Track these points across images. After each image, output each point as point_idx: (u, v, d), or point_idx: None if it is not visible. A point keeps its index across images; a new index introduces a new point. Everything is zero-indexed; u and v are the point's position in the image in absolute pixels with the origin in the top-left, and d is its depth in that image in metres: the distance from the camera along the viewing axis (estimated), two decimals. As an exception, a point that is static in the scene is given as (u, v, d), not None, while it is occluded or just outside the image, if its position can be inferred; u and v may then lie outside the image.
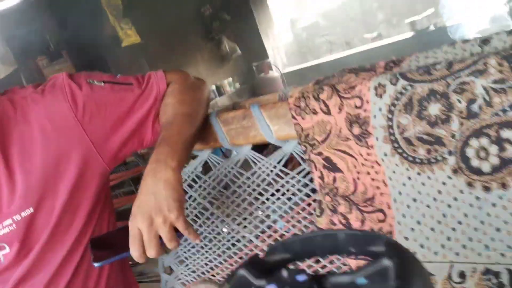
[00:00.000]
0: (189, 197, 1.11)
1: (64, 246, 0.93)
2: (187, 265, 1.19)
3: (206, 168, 1.08)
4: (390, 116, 0.72)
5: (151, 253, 0.78)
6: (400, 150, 0.73)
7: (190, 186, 1.11)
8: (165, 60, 5.13)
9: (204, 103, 1.00)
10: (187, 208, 1.12)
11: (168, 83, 1.00)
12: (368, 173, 0.78)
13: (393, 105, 0.72)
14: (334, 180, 0.81)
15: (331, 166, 0.81)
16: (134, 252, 0.78)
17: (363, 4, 7.08)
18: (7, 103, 0.90)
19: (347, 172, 0.79)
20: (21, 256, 0.90)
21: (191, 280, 1.18)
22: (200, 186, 1.09)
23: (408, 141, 0.72)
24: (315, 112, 0.81)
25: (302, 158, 0.89)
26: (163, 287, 1.30)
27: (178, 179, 0.82)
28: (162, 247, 0.80)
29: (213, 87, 5.87)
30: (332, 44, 7.06)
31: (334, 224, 0.81)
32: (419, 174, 0.72)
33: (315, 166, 0.83)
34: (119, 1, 3.97)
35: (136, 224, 0.78)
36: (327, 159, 0.81)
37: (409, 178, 0.74)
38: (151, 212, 0.78)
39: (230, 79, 6.20)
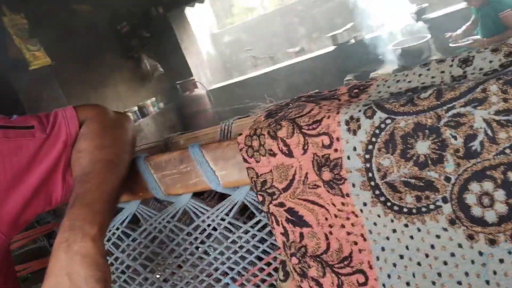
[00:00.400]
0: (115, 259, 0.90)
1: None
2: None
3: (136, 221, 0.88)
4: (367, 156, 0.59)
5: None
6: (382, 198, 0.59)
7: (116, 245, 0.90)
8: (80, 82, 4.74)
9: (128, 145, 0.80)
10: (113, 273, 0.90)
11: (81, 123, 0.79)
12: (343, 226, 0.63)
13: (371, 143, 0.58)
14: (302, 236, 0.65)
15: (297, 220, 0.65)
16: None
17: (283, 19, 7.16)
18: None
19: (317, 226, 0.64)
20: None
21: None
22: (128, 246, 0.88)
23: (392, 186, 0.58)
24: (272, 154, 0.65)
25: (257, 207, 0.73)
26: None
27: (100, 251, 0.62)
28: None
29: (135, 108, 5.55)
30: (257, 59, 7.04)
31: (305, 291, 0.65)
32: (406, 226, 0.59)
33: (276, 220, 0.67)
34: (24, 20, 3.57)
35: None
36: (291, 211, 0.65)
37: (394, 230, 0.60)
38: None
39: (153, 99, 5.90)
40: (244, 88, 6.02)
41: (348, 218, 0.62)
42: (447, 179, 0.55)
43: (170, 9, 6.06)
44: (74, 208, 0.66)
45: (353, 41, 5.13)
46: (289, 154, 0.64)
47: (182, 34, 6.35)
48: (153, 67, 5.89)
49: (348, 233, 0.63)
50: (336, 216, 0.63)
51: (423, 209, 0.57)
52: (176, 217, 0.81)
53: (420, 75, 0.66)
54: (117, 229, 0.89)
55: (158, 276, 0.86)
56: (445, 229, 0.57)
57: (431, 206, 0.57)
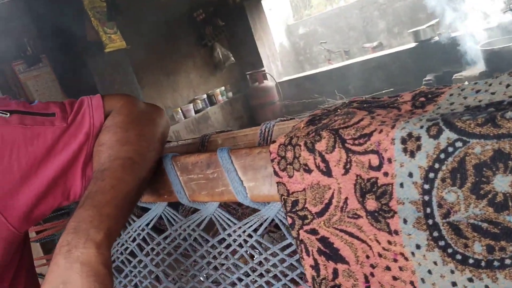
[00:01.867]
0: (139, 262, 0.84)
1: None
2: None
3: (162, 224, 0.81)
4: (427, 187, 0.45)
5: None
6: (441, 242, 0.46)
7: (140, 247, 0.83)
8: (153, 67, 4.85)
9: (156, 143, 0.73)
10: (135, 276, 0.84)
11: (107, 113, 0.73)
12: (388, 269, 0.50)
13: (433, 170, 0.45)
14: (335, 274, 0.53)
15: (331, 253, 0.53)
16: None
17: (363, 12, 6.86)
18: None
19: (355, 264, 0.52)
20: None
21: None
22: (152, 249, 0.81)
23: (456, 229, 0.45)
24: (307, 170, 0.54)
25: (289, 230, 0.62)
26: None
27: (104, 260, 0.55)
28: None
29: (204, 96, 5.59)
30: (331, 53, 6.81)
31: None
32: (471, 280, 0.45)
33: (307, 250, 0.56)
34: (103, 4, 3.68)
35: None
36: (324, 242, 0.54)
37: (454, 284, 0.47)
38: None
39: (223, 88, 5.92)
40: (315, 82, 5.85)
41: (395, 260, 0.50)
42: (534, 229, 0.40)
43: (246, -2, 6.03)
44: (82, 208, 0.59)
45: (437, 38, 4.77)
46: (327, 172, 0.52)
47: (256, 24, 6.29)
48: (225, 56, 5.90)
49: (395, 278, 0.50)
50: (380, 255, 0.50)
51: (496, 263, 0.43)
52: (201, 225, 0.73)
53: (508, 86, 0.51)
54: (142, 230, 0.82)
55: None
56: (525, 294, 0.42)
57: (507, 261, 0.43)
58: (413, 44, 5.09)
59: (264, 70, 6.04)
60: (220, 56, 5.81)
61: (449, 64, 4.43)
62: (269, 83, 5.98)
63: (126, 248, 0.86)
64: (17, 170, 0.65)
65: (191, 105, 5.31)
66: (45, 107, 0.70)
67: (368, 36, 6.88)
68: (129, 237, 0.85)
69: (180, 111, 5.13)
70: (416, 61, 4.96)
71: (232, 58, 5.92)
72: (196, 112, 5.36)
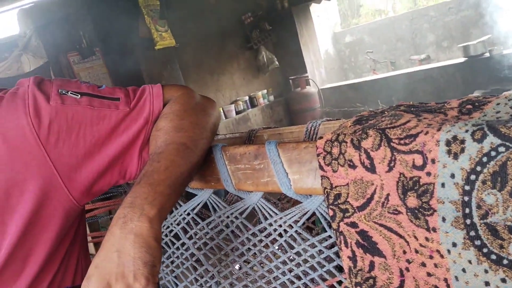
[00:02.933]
0: (182, 245, 0.89)
1: None
2: (173, 327, 0.96)
3: (205, 210, 0.85)
4: (467, 188, 0.48)
5: None
6: (477, 242, 0.48)
7: (184, 230, 0.88)
8: (199, 66, 4.97)
9: (208, 132, 0.77)
10: (178, 258, 0.89)
11: (166, 102, 0.78)
12: (424, 265, 0.53)
13: (475, 172, 0.47)
14: (372, 266, 0.56)
15: (369, 246, 0.56)
16: None
17: (413, 24, 6.75)
18: None
19: (392, 258, 0.55)
20: None
21: None
22: (195, 233, 0.86)
23: (492, 230, 0.46)
24: (352, 165, 0.57)
25: (329, 223, 0.65)
26: None
27: (155, 234, 0.60)
28: None
29: (246, 98, 5.66)
30: (376, 63, 6.74)
31: (366, 329, 0.56)
32: (504, 281, 0.47)
33: (345, 241, 0.58)
34: (157, 2, 3.83)
35: None
36: (363, 235, 0.56)
37: (487, 284, 0.48)
38: (110, 277, 0.57)
39: (265, 91, 5.97)
40: (357, 91, 5.81)
41: (431, 257, 0.52)
42: None
43: (295, 3, 6.06)
44: (138, 186, 0.64)
45: (487, 54, 4.64)
46: (371, 169, 0.55)
47: (303, 30, 6.32)
48: (270, 60, 5.95)
49: (429, 275, 0.52)
50: (417, 251, 0.53)
51: (531, 266, 0.45)
52: (244, 214, 0.77)
53: (558, 97, 0.52)
54: (188, 214, 0.87)
55: (218, 271, 0.83)
56: (558, 297, 0.44)
57: (543, 265, 0.44)
58: (462, 59, 4.98)
59: (307, 76, 6.06)
60: (265, 60, 5.87)
61: (498, 81, 4.31)
62: (311, 89, 5.99)
63: (171, 231, 0.92)
64: (83, 147, 0.72)
65: (232, 106, 5.40)
66: (111, 92, 0.76)
67: (416, 48, 6.77)
68: (175, 221, 0.90)
69: (221, 110, 5.22)
70: (464, 77, 4.84)
71: (276, 62, 5.97)
72: (237, 113, 5.44)
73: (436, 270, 0.52)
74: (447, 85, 5.01)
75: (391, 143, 0.53)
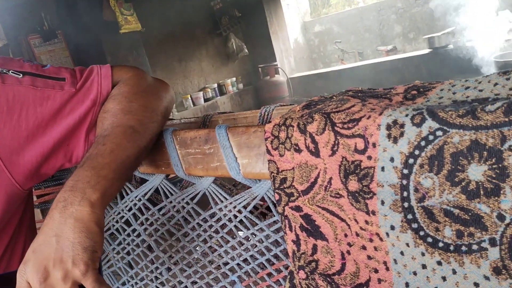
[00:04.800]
0: (133, 231, 0.87)
1: None
2: (124, 314, 0.95)
3: (158, 195, 0.84)
4: (406, 171, 0.48)
5: None
6: (414, 225, 0.48)
7: (135, 216, 0.87)
8: (166, 52, 4.88)
9: (159, 116, 0.76)
10: (128, 244, 0.88)
11: (115, 83, 0.76)
12: (364, 248, 0.53)
13: (413, 156, 0.48)
14: (314, 249, 0.56)
15: (312, 230, 0.56)
16: None
17: (381, 15, 6.83)
18: None
19: (333, 241, 0.55)
20: None
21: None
22: (147, 219, 0.85)
23: (429, 213, 0.47)
24: (298, 149, 0.57)
25: (276, 207, 0.65)
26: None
27: (97, 218, 0.58)
28: None
29: (215, 85, 5.62)
30: (344, 53, 6.81)
31: (308, 312, 0.56)
32: (439, 263, 0.48)
33: (290, 225, 0.58)
34: (122, -16, 3.73)
35: (26, 276, 0.55)
36: (307, 218, 0.57)
37: (424, 266, 0.49)
38: (48, 262, 0.55)
39: (234, 79, 5.94)
40: (326, 81, 5.85)
41: (371, 240, 0.52)
42: (501, 217, 0.43)
43: (265, -9, 6.03)
44: (81, 169, 0.62)
45: (451, 46, 4.76)
46: (316, 153, 0.55)
47: (272, 18, 6.30)
48: (239, 47, 5.92)
49: (369, 257, 0.53)
50: (357, 234, 0.53)
51: (463, 248, 0.46)
52: (195, 199, 0.76)
53: (496, 84, 0.53)
54: (139, 200, 0.85)
55: (169, 257, 0.82)
56: (487, 278, 0.45)
57: (474, 247, 0.45)
58: (427, 51, 5.08)
59: (277, 65, 6.06)
60: (234, 47, 5.83)
61: (461, 73, 4.42)
62: (280, 77, 6.00)
63: (122, 217, 0.90)
64: (25, 129, 0.69)
65: (201, 93, 5.34)
66: (56, 72, 0.73)
67: (383, 39, 6.86)
68: (126, 207, 0.88)
69: (189, 98, 5.17)
70: (428, 68, 4.95)
71: (246, 50, 5.93)
72: (206, 100, 5.40)
73: (376, 253, 0.52)
74: (412, 76, 5.11)
75: (335, 127, 0.53)
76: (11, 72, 0.69)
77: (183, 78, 5.27)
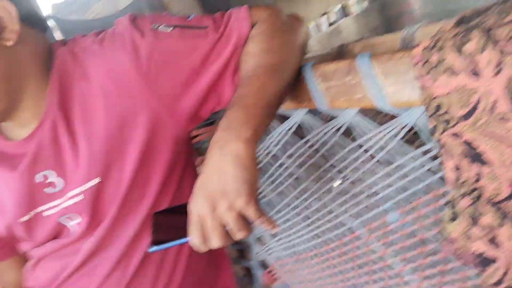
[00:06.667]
0: (280, 165, 0.92)
1: (136, 218, 0.82)
2: (279, 239, 1.02)
3: (301, 130, 0.86)
4: None
5: (214, 243, 0.63)
6: None
7: (283, 150, 0.91)
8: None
9: (297, 51, 0.76)
10: (278, 176, 0.93)
11: (253, 24, 0.77)
12: (538, 174, 0.49)
13: None
14: (478, 176, 0.54)
15: (475, 156, 0.53)
16: (194, 240, 0.63)
17: None
18: (68, 56, 0.77)
19: (500, 167, 0.51)
20: (92, 227, 0.81)
21: (285, 256, 1.02)
22: (293, 153, 0.88)
23: None
24: (453, 72, 0.53)
25: (430, 135, 0.62)
26: (253, 257, 1.17)
27: (251, 154, 0.62)
28: (229, 237, 0.63)
29: (339, 7, 5.35)
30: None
31: (473, 240, 0.55)
32: None
33: (449, 153, 0.56)
34: None
35: (197, 208, 0.63)
36: (468, 145, 0.53)
37: None
38: (214, 195, 0.61)
39: (357, -3, 5.59)
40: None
41: (547, 165, 0.48)
42: None
43: None
44: (231, 110, 0.66)
45: None
46: (476, 74, 0.50)
47: None
48: (360, -39, 5.48)
49: (544, 183, 0.49)
50: (529, 159, 0.49)
51: None
52: (340, 131, 0.76)
53: None
54: (285, 135, 0.89)
55: (319, 188, 0.85)
56: None
57: None
58: None
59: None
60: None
61: None
62: (410, -11, 5.46)
63: (269, 152, 0.95)
64: (180, 78, 0.75)
65: (324, 18, 5.16)
66: (199, 21, 0.78)
67: None
68: (272, 142, 0.93)
69: (314, 24, 5.03)
70: None
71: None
72: (330, 25, 5.21)
73: (553, 179, 0.48)
74: None
75: (498, 44, 0.48)
76: (162, 26, 0.75)
77: (305, 6, 5.12)
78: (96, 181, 0.77)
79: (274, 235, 1.03)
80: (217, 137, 0.65)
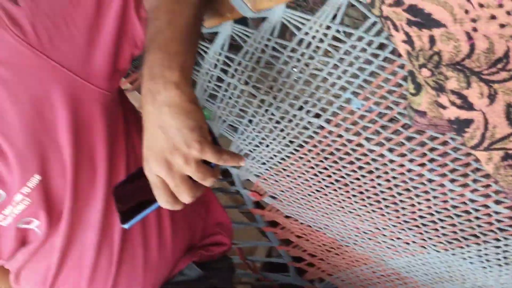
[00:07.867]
0: (228, 85, 0.84)
1: (97, 201, 0.76)
2: (253, 158, 0.99)
3: (233, 46, 0.78)
4: None
5: (184, 199, 0.58)
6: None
7: (224, 71, 0.83)
8: None
9: None
10: (230, 98, 0.86)
11: None
12: (493, 18, 0.44)
13: None
14: (432, 41, 0.48)
15: (423, 20, 0.48)
16: (164, 204, 0.58)
17: None
18: None
19: (453, 24, 0.46)
20: (53, 224, 0.75)
21: (265, 172, 1.00)
22: (236, 70, 0.80)
23: None
24: None
25: (369, 10, 0.55)
26: (237, 183, 1.14)
27: (187, 96, 0.55)
28: (198, 186, 0.59)
29: None
30: None
31: (444, 107, 0.51)
32: None
33: (394, 25, 0.50)
34: None
35: (153, 173, 0.57)
36: (413, 10, 0.47)
37: None
38: (165, 154, 0.55)
39: None
40: None
41: (500, 5, 0.43)
42: None
43: None
44: (148, 54, 0.58)
45: None
46: None
47: None
48: None
49: (502, 26, 0.44)
50: (481, 5, 0.43)
51: None
52: (274, 33, 0.68)
53: None
54: (220, 54, 0.80)
55: (274, 97, 0.79)
56: None
57: None
58: None
59: None
60: None
61: None
62: None
63: (212, 76, 0.87)
64: (79, 36, 0.65)
65: None
66: None
67: None
68: (210, 65, 0.85)
69: None
70: None
71: None
72: None
73: (510, 18, 0.43)
74: None
75: None
76: None
77: None
78: (36, 179, 0.70)
79: (247, 156, 1.00)
80: (145, 89, 0.57)
